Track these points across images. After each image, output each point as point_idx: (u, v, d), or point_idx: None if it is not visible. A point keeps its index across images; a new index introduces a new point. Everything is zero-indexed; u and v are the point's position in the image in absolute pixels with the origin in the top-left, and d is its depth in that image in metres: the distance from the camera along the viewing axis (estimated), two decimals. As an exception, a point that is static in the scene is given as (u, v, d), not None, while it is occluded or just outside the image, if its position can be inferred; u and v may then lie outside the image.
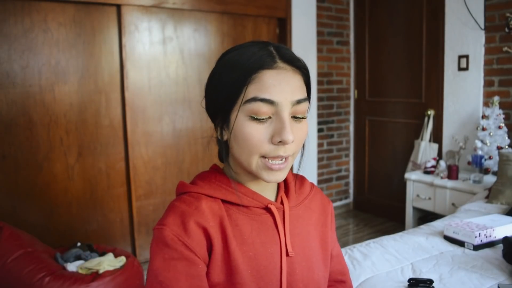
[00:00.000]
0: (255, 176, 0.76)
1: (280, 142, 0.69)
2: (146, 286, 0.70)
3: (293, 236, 0.79)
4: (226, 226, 0.73)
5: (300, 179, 0.90)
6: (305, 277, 0.79)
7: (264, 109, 0.69)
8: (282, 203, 0.81)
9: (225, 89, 0.71)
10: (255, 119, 0.69)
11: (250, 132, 0.69)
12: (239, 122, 0.70)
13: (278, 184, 0.84)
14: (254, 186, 0.79)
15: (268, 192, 0.81)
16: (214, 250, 0.71)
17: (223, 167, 0.82)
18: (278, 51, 0.73)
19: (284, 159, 0.72)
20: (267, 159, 0.71)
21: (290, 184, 0.85)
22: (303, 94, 0.73)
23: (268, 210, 0.78)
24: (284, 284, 0.75)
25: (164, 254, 0.69)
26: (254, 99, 0.69)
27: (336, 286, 0.92)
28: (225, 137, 0.75)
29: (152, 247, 0.72)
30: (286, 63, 0.72)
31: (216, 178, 0.78)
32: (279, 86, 0.69)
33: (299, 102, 0.71)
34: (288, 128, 0.69)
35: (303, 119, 0.74)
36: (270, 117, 0.70)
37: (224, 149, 0.77)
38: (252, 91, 0.69)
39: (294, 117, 0.72)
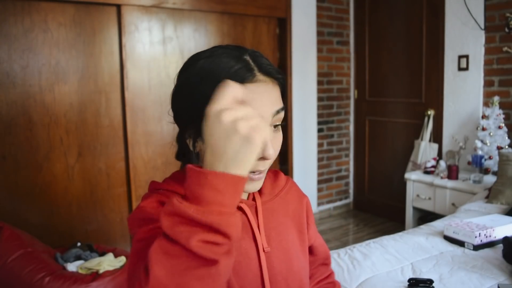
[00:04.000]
0: None
1: (260, 158, 0.67)
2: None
3: (269, 230, 0.80)
4: None
5: (274, 173, 0.91)
6: (284, 270, 0.80)
7: None
8: (254, 199, 0.82)
9: (200, 101, 0.66)
10: None
11: None
12: None
13: None
14: None
15: None
16: None
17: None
18: (256, 61, 0.70)
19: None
20: None
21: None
22: (281, 103, 0.72)
23: (239, 208, 0.78)
24: (267, 279, 0.77)
25: (145, 227, 0.66)
26: None
27: (319, 269, 0.98)
28: (197, 149, 0.73)
29: (131, 227, 0.69)
30: (266, 75, 0.70)
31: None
32: (259, 99, 0.68)
33: (278, 112, 0.71)
34: (269, 144, 0.67)
35: (279, 126, 0.74)
36: None
37: (195, 158, 0.74)
38: None
39: (273, 126, 0.72)
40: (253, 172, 0.72)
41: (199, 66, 0.70)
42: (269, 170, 0.88)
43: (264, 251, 0.78)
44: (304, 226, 0.89)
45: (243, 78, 0.67)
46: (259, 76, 0.69)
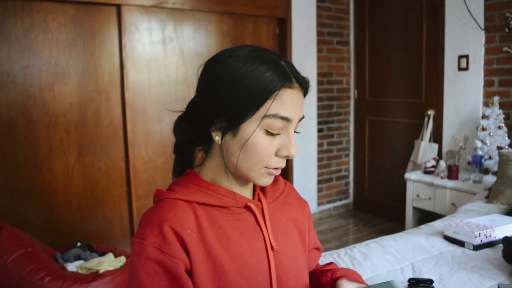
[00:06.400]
0: (238, 178, 0.81)
1: (285, 156, 0.76)
2: None
3: (275, 230, 0.83)
4: (205, 230, 0.74)
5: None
6: (292, 268, 0.82)
7: (279, 125, 0.74)
8: (259, 200, 0.84)
9: (242, 99, 0.72)
10: (269, 133, 0.74)
11: (262, 146, 0.74)
12: (254, 134, 0.73)
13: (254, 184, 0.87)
14: (234, 188, 0.81)
15: (246, 192, 0.84)
16: (193, 258, 0.71)
17: (199, 170, 0.83)
18: (291, 70, 0.76)
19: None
20: (269, 169, 0.77)
21: None
22: (303, 113, 0.80)
23: (248, 208, 0.81)
24: (274, 278, 0.77)
25: (148, 269, 0.69)
26: (275, 116, 0.72)
27: (311, 253, 0.98)
28: (222, 141, 0.77)
29: (133, 260, 0.71)
30: (299, 84, 0.76)
31: (193, 182, 0.80)
32: (295, 105, 0.75)
33: (301, 119, 0.78)
34: (294, 144, 0.76)
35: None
36: (279, 133, 0.75)
37: (221, 150, 0.77)
38: (274, 107, 0.72)
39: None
40: (274, 168, 0.77)
41: (242, 65, 0.73)
42: None
43: (273, 249, 0.80)
44: (306, 228, 0.92)
45: (285, 81, 0.73)
46: (295, 83, 0.75)
